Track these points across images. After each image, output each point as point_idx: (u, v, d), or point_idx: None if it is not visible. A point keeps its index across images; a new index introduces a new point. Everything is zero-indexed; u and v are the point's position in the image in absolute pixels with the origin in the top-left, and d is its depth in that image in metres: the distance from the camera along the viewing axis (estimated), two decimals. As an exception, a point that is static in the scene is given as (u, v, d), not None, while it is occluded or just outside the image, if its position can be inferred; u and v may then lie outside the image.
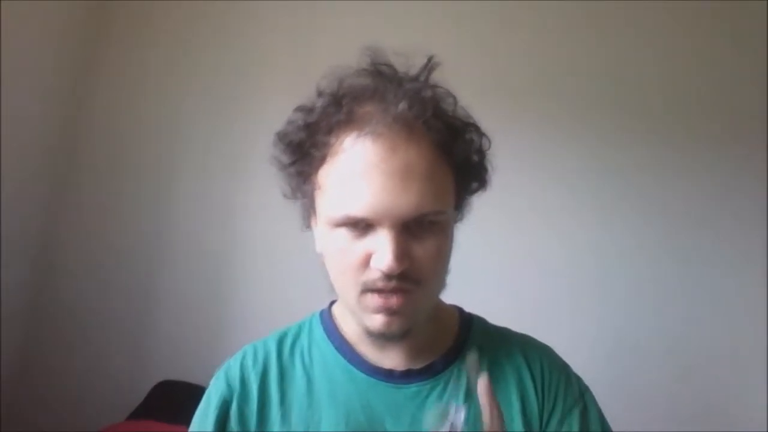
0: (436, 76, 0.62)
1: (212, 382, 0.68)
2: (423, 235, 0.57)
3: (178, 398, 1.56)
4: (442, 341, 0.68)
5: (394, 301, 0.57)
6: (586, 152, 1.80)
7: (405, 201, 0.55)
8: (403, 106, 0.57)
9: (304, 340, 0.69)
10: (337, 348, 0.67)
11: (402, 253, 0.56)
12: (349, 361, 0.66)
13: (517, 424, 0.63)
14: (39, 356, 1.79)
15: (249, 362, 0.67)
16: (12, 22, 1.53)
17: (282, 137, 0.64)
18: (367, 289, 0.58)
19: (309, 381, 0.65)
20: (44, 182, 1.81)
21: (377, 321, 0.59)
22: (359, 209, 0.56)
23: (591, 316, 1.72)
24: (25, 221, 1.74)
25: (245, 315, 1.77)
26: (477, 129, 0.63)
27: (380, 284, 0.57)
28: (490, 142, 0.64)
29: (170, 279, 1.82)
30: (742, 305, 1.69)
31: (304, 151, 0.62)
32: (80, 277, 1.83)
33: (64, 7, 1.76)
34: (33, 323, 1.80)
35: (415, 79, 0.61)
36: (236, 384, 0.66)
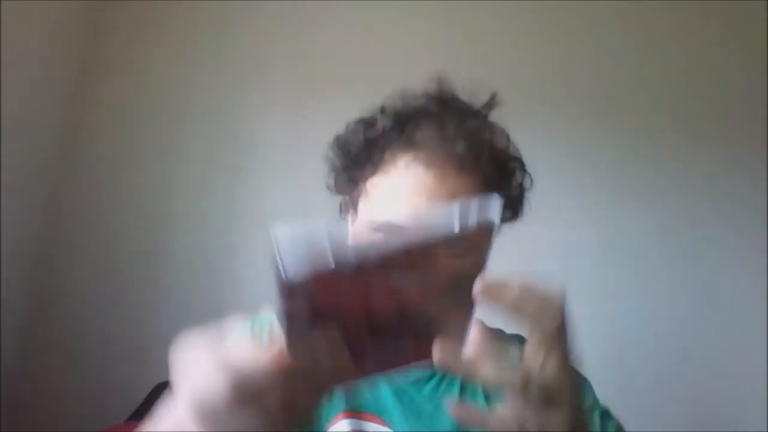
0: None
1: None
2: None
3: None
4: None
5: None
6: (582, 154, 1.80)
7: None
8: (461, 145, 0.61)
9: None
10: None
11: None
12: None
13: None
14: (39, 357, 1.79)
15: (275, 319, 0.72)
16: (12, 21, 1.52)
17: (340, 144, 0.68)
18: None
19: None
20: (44, 182, 1.81)
21: None
22: (401, 219, 0.59)
23: (586, 318, 1.72)
24: (25, 221, 1.74)
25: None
26: (523, 167, 0.68)
27: None
28: (532, 180, 0.69)
29: (170, 279, 1.82)
30: (742, 306, 1.69)
31: (359, 162, 0.65)
32: (80, 277, 1.83)
33: (64, 6, 1.76)
34: (33, 324, 1.80)
35: (476, 116, 0.65)
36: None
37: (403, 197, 0.61)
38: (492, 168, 0.63)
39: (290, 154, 1.81)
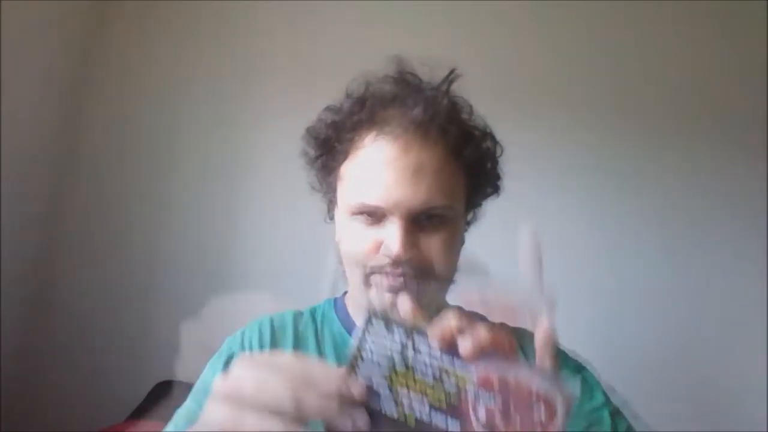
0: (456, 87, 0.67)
1: (228, 339, 0.73)
2: (431, 229, 0.62)
3: (178, 398, 1.56)
4: None
5: (400, 280, 0.61)
6: (583, 154, 1.80)
7: (415, 194, 0.60)
8: (418, 110, 0.62)
9: (317, 319, 0.74)
10: (347, 330, 0.71)
11: (409, 242, 0.60)
12: None
13: None
14: (39, 356, 1.79)
15: (266, 328, 0.72)
16: (12, 21, 1.52)
17: (311, 132, 0.70)
18: (375, 272, 0.62)
19: (320, 356, 0.69)
20: (44, 182, 1.81)
21: (384, 299, 0.62)
22: (373, 198, 0.60)
23: (586, 318, 1.72)
24: (25, 221, 1.74)
25: (245, 315, 1.77)
26: (491, 137, 0.68)
27: (387, 270, 0.61)
28: (502, 150, 0.69)
29: (170, 279, 1.82)
30: (742, 306, 1.69)
31: (329, 146, 0.67)
32: (80, 277, 1.83)
33: (64, 6, 1.76)
34: (32, 323, 1.80)
35: (435, 88, 0.66)
36: (250, 344, 0.70)
37: (373, 174, 0.61)
38: (454, 134, 0.63)
39: (290, 155, 1.81)
